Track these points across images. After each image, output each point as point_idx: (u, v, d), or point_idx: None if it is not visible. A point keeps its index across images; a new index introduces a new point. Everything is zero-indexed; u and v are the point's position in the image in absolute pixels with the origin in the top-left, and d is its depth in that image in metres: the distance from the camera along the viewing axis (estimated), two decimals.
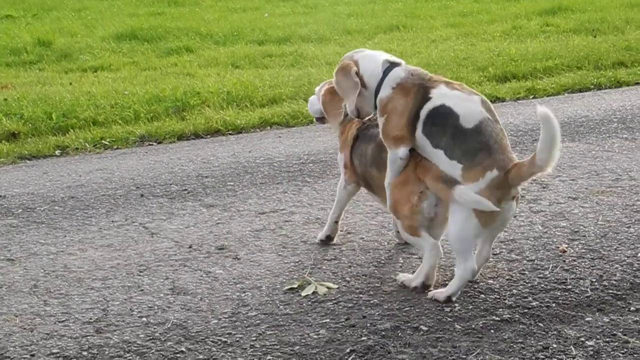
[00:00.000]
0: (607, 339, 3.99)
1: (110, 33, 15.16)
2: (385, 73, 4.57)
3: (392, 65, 4.60)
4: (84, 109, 9.38)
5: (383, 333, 4.10)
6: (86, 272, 4.99)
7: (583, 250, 5.04)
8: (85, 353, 4.00)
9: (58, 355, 3.99)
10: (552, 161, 4.11)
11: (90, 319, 4.36)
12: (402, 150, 4.46)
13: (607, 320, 4.18)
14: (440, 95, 4.39)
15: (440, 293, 4.42)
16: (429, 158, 4.42)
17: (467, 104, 4.35)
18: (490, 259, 4.64)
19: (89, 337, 4.16)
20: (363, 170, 4.97)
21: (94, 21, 16.76)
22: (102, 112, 9.33)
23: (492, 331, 4.10)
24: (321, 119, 5.38)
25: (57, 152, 8.27)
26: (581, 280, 4.63)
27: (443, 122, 4.33)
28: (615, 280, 4.62)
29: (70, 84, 10.98)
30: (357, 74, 4.61)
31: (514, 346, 3.95)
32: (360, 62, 4.67)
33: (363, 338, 4.06)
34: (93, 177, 7.10)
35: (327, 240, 5.26)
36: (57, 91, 10.28)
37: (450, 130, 4.30)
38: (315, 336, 4.10)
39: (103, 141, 8.53)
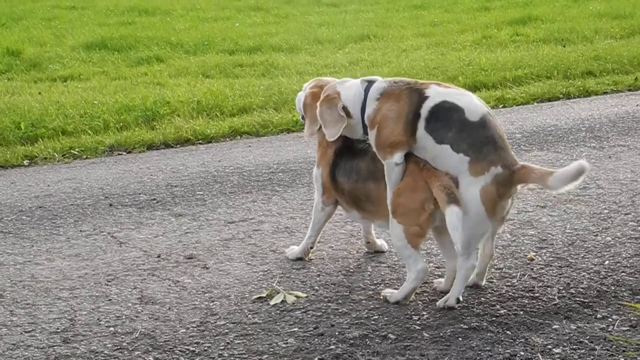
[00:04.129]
0: (574, 347, 4.01)
1: (80, 42, 15.08)
2: (366, 92, 4.60)
3: (370, 82, 4.63)
4: (53, 118, 9.32)
5: (351, 342, 4.11)
6: (53, 282, 4.96)
7: (551, 259, 5.07)
8: None
9: None
10: (561, 190, 4.34)
11: (58, 329, 4.33)
12: (398, 156, 4.45)
13: (574, 327, 4.20)
14: (437, 94, 4.44)
15: (450, 299, 4.42)
16: (430, 156, 4.42)
17: (466, 99, 4.44)
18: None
19: (55, 347, 4.13)
20: (352, 187, 4.83)
21: (64, 30, 16.67)
22: (71, 121, 9.28)
23: (460, 339, 4.11)
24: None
25: (26, 162, 8.21)
26: (549, 288, 4.66)
27: (448, 117, 4.37)
28: (582, 288, 4.65)
29: (40, 93, 10.91)
30: (343, 107, 4.66)
31: (482, 354, 3.96)
32: (342, 93, 4.71)
33: (331, 347, 4.06)
34: (61, 187, 7.05)
35: (297, 260, 5.18)
36: (26, 101, 10.21)
37: (457, 124, 4.35)
38: (283, 345, 4.10)
39: (72, 151, 8.48)
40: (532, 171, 4.33)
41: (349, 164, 4.85)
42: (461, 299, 4.43)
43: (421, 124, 4.42)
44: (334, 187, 4.95)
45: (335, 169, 4.91)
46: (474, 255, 4.41)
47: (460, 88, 4.60)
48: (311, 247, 5.18)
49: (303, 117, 5.20)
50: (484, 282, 4.67)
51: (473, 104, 4.41)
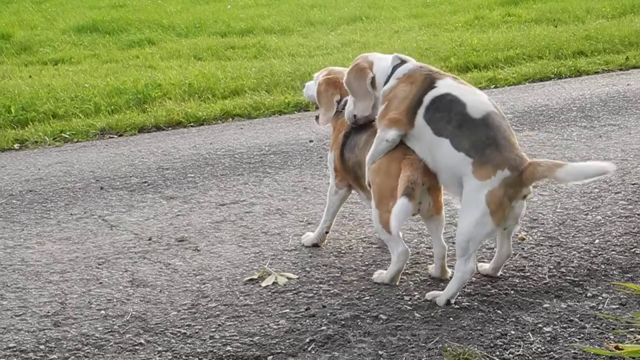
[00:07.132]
0: (565, 325, 4.02)
1: (71, 25, 15.03)
2: (395, 69, 4.57)
3: (403, 62, 4.59)
4: (44, 102, 9.30)
5: (343, 322, 4.11)
6: (44, 266, 4.95)
7: (541, 238, 5.08)
8: (42, 347, 3.97)
9: (15, 349, 3.95)
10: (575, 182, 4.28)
11: (48, 312, 4.33)
12: (393, 132, 4.42)
13: (565, 306, 4.21)
14: (446, 86, 4.38)
15: (440, 297, 4.32)
16: (427, 150, 4.36)
17: (473, 96, 4.34)
18: (450, 248, 4.61)
19: (46, 331, 4.13)
20: (354, 161, 4.80)
21: (55, 14, 16.62)
22: (62, 105, 9.27)
23: (451, 319, 4.11)
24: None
25: (16, 145, 8.20)
26: (539, 268, 4.66)
27: (448, 109, 4.29)
28: (572, 267, 4.65)
29: (30, 77, 10.89)
30: (372, 80, 4.63)
31: (473, 333, 3.97)
32: (375, 63, 4.66)
33: (323, 327, 4.06)
34: (52, 171, 7.04)
35: (313, 247, 5.12)
36: (17, 84, 10.19)
37: (457, 118, 4.26)
38: (275, 326, 4.10)
39: (63, 134, 8.46)
40: (537, 165, 4.17)
41: (353, 140, 4.83)
42: (452, 301, 4.30)
43: (421, 111, 4.36)
44: (344, 167, 4.94)
45: (344, 148, 4.90)
46: (473, 258, 4.27)
47: (475, 88, 4.50)
48: (326, 232, 5.13)
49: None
50: (499, 274, 4.57)
51: (478, 102, 4.32)
